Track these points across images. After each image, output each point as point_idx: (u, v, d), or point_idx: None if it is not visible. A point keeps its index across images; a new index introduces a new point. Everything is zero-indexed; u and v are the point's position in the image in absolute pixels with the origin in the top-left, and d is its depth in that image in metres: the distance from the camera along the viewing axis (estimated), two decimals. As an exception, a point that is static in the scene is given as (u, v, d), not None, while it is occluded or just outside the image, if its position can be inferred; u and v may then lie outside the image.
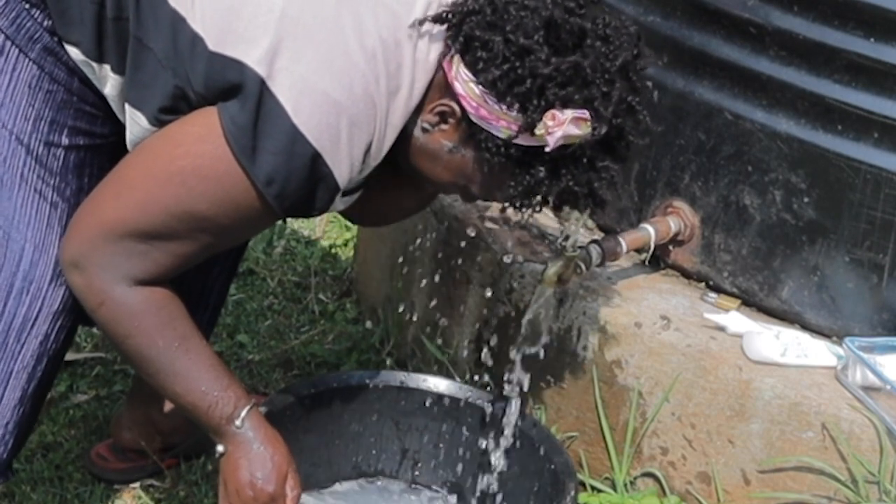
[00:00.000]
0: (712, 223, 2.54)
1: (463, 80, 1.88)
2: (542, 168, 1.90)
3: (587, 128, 1.85)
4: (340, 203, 1.99)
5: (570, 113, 1.83)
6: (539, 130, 1.85)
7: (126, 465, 2.59)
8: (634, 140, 1.94)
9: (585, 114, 1.84)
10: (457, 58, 1.89)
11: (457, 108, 1.90)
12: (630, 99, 1.89)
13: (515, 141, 1.88)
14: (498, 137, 1.89)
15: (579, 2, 1.87)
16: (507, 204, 1.98)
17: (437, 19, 1.90)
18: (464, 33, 1.87)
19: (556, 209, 1.99)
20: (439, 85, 1.92)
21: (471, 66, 1.87)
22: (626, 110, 1.90)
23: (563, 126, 1.83)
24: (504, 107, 1.86)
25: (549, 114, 1.84)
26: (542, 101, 1.84)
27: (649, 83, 1.97)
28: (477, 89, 1.87)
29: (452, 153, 1.94)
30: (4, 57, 1.95)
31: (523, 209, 1.98)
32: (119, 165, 1.94)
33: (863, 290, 2.41)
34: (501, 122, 1.87)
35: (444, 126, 1.93)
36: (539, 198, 1.94)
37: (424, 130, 1.94)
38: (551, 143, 1.85)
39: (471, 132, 1.91)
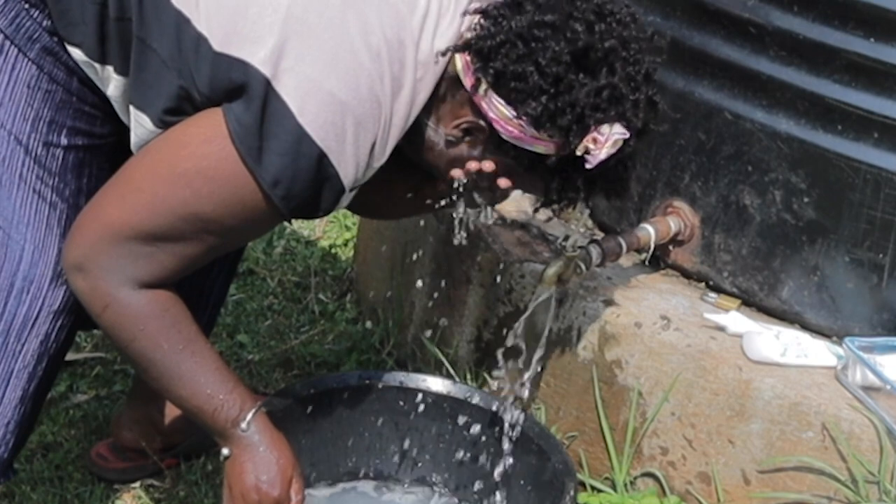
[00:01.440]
0: (712, 223, 2.54)
1: (495, 108, 1.90)
2: (578, 177, 1.94)
3: (623, 138, 1.89)
4: (346, 200, 2.00)
5: (611, 135, 1.87)
6: (580, 152, 1.88)
7: (126, 465, 2.59)
8: (656, 128, 1.99)
9: (626, 133, 1.88)
10: (484, 85, 1.90)
11: (485, 125, 1.93)
12: (653, 96, 1.94)
13: (551, 159, 1.92)
14: (534, 153, 1.91)
15: (596, 9, 1.89)
16: (539, 205, 2.03)
17: (459, 49, 1.91)
18: (494, 66, 1.88)
19: (585, 202, 2.04)
20: (461, 100, 1.93)
21: (505, 97, 1.89)
22: (650, 107, 1.94)
23: (605, 147, 1.87)
24: (544, 134, 1.89)
25: (589, 137, 1.87)
26: (581, 127, 1.87)
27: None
28: (510, 113, 1.89)
29: (476, 159, 1.96)
30: (3, 57, 1.95)
31: (559, 209, 2.03)
32: (123, 168, 1.94)
33: (863, 290, 2.41)
34: (539, 144, 1.90)
35: (469, 139, 1.95)
36: (577, 199, 1.98)
37: (449, 143, 1.96)
38: (594, 162, 1.89)
39: (501, 146, 1.94)
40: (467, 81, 1.91)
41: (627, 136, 1.89)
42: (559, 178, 1.95)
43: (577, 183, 1.95)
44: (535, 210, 2.08)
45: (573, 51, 1.86)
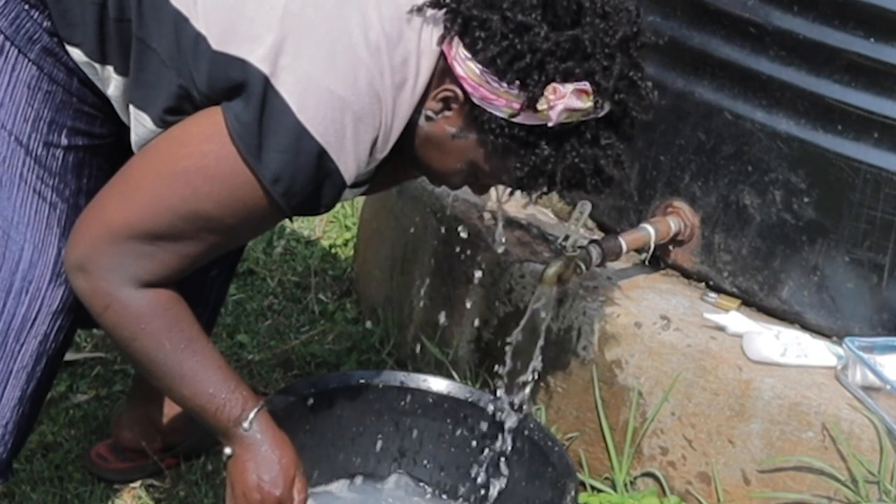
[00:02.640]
0: (712, 223, 2.54)
1: (462, 61, 1.87)
2: (546, 146, 1.88)
3: (589, 101, 1.84)
4: (349, 193, 1.99)
5: (570, 86, 1.83)
6: (541, 106, 1.84)
7: (126, 465, 2.59)
8: (639, 116, 1.93)
9: (587, 86, 1.83)
10: (456, 39, 1.88)
11: (459, 91, 1.90)
12: (631, 74, 1.88)
13: (517, 119, 1.87)
14: (500, 117, 1.88)
15: None
16: (515, 186, 1.98)
17: (435, 3, 1.89)
18: (461, 14, 1.87)
19: (565, 190, 1.97)
20: (441, 71, 1.92)
21: (470, 47, 1.86)
22: (629, 85, 1.89)
23: (564, 99, 1.82)
24: (504, 84, 1.85)
25: (549, 87, 1.83)
26: (542, 76, 1.83)
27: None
28: (476, 69, 1.86)
29: (456, 139, 1.94)
30: (3, 57, 1.95)
31: (531, 191, 1.97)
32: (124, 168, 1.94)
33: (863, 290, 2.41)
34: (502, 100, 1.86)
35: (447, 112, 1.93)
36: (546, 178, 1.93)
37: (428, 119, 1.94)
38: (553, 117, 1.84)
39: (473, 115, 1.90)
40: (436, 34, 1.89)
41: (589, 90, 1.83)
42: (527, 149, 1.90)
43: (545, 153, 1.89)
44: (510, 194, 2.05)
45: (542, 2, 1.83)
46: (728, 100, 2.48)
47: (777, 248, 2.47)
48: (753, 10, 2.42)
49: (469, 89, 1.88)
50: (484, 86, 1.86)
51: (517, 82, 1.84)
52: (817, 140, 2.39)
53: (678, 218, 2.55)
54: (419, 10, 1.89)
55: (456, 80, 1.89)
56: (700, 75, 2.51)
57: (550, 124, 1.85)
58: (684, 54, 2.52)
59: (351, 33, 1.85)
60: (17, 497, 2.49)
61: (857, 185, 2.36)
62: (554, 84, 1.83)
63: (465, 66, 1.87)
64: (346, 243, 3.52)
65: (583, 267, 2.35)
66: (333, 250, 3.50)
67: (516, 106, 1.86)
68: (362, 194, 2.21)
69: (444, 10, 1.89)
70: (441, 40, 1.90)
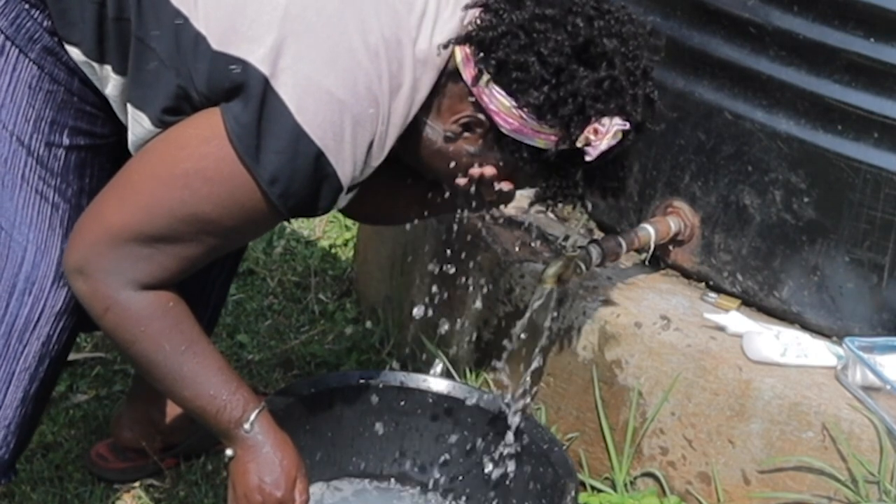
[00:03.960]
0: (712, 223, 2.54)
1: (496, 99, 1.90)
2: (577, 171, 1.94)
3: (621, 132, 1.90)
4: (343, 200, 2.00)
5: (611, 126, 1.88)
6: (580, 143, 1.89)
7: (126, 465, 2.59)
8: (653, 128, 1.99)
9: (626, 125, 1.89)
10: (486, 77, 1.90)
11: (485, 119, 1.92)
12: (651, 94, 1.94)
13: (552, 150, 1.92)
14: (533, 147, 1.92)
15: (595, 4, 1.91)
16: (536, 202, 2.03)
17: (464, 40, 1.91)
18: (496, 57, 1.89)
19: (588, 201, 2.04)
20: (460, 94, 1.93)
21: (506, 87, 1.89)
22: (648, 105, 1.95)
23: (605, 138, 1.88)
24: (546, 126, 1.89)
25: (590, 128, 1.88)
26: (582, 117, 1.88)
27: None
28: (510, 104, 1.89)
29: (474, 157, 1.96)
30: (4, 57, 1.95)
31: (553, 206, 2.04)
32: (122, 170, 1.94)
33: (863, 290, 2.41)
34: (540, 136, 1.90)
35: (467, 134, 1.95)
36: (574, 197, 1.99)
37: (448, 139, 1.96)
38: (594, 154, 1.89)
39: (500, 142, 1.94)
40: (468, 73, 1.92)
41: (627, 127, 1.89)
42: (557, 174, 1.96)
43: (575, 178, 1.95)
44: (531, 205, 2.07)
45: (574, 44, 1.87)
46: (728, 100, 2.48)
47: (777, 248, 2.47)
48: (753, 10, 2.42)
49: (500, 122, 1.91)
50: (519, 121, 1.90)
51: (559, 123, 1.88)
52: (817, 140, 2.39)
53: (678, 218, 2.55)
54: (444, 46, 1.91)
55: (481, 107, 1.91)
56: (700, 75, 2.51)
57: (588, 159, 1.90)
58: (684, 54, 2.52)
59: (351, 37, 1.85)
60: (17, 497, 2.49)
61: (857, 185, 2.36)
62: (595, 125, 1.88)
63: (500, 103, 1.90)
64: (346, 243, 3.52)
65: (583, 267, 2.35)
66: (333, 250, 3.50)
67: (553, 141, 1.90)
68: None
69: (469, 45, 1.91)
70: (447, 60, 1.92)
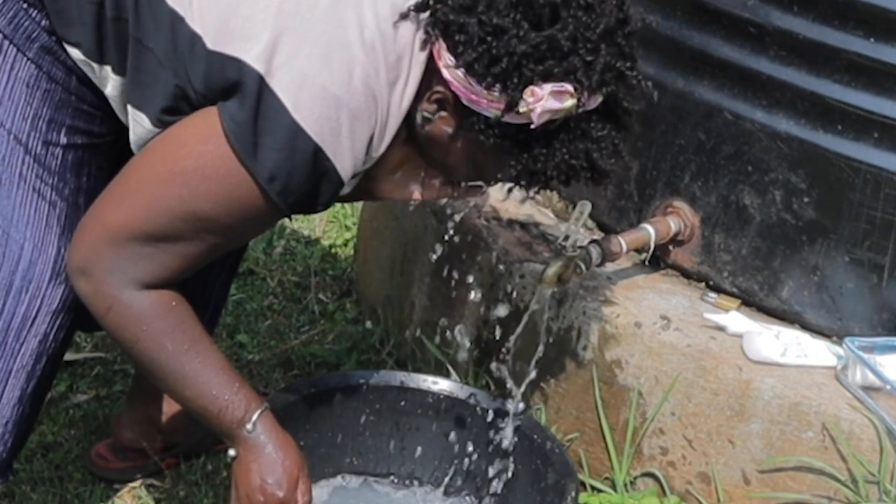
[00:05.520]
0: (712, 223, 2.54)
1: (447, 66, 1.88)
2: (536, 144, 1.87)
3: (571, 99, 1.83)
4: (349, 186, 1.99)
5: (548, 87, 1.81)
6: (522, 108, 1.83)
7: (126, 465, 2.59)
8: (631, 106, 1.91)
9: (565, 86, 1.82)
10: (440, 43, 1.88)
11: (448, 94, 1.90)
12: (618, 64, 1.86)
13: (504, 120, 1.86)
14: (489, 118, 1.87)
15: None
16: (512, 183, 1.97)
17: (420, 7, 1.89)
18: (440, 19, 1.86)
19: (562, 185, 1.96)
20: (432, 72, 1.92)
21: (451, 50, 1.86)
22: (616, 77, 1.86)
23: (542, 101, 1.81)
24: (486, 88, 1.85)
25: (528, 90, 1.82)
26: (520, 79, 1.82)
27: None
28: (460, 73, 1.86)
29: (454, 139, 1.94)
30: (2, 56, 1.95)
31: (528, 188, 1.96)
32: (123, 170, 1.94)
33: (863, 290, 2.41)
34: (486, 102, 1.86)
35: (442, 113, 1.93)
36: (540, 174, 1.92)
37: (426, 120, 1.94)
38: (535, 119, 1.83)
39: (465, 116, 1.90)
40: (420, 37, 1.89)
41: (568, 90, 1.82)
42: (519, 150, 1.89)
43: (534, 153, 1.89)
44: (509, 191, 2.04)
45: (518, 2, 1.82)
46: (728, 100, 2.48)
47: (777, 248, 2.47)
48: (753, 10, 2.42)
49: (457, 92, 1.88)
50: (468, 88, 1.86)
51: (497, 86, 1.84)
52: (817, 140, 2.39)
53: (678, 218, 2.55)
54: (404, 15, 1.89)
55: (444, 82, 1.89)
56: (700, 75, 2.51)
57: (533, 126, 1.84)
58: (684, 54, 2.52)
59: (346, 31, 1.85)
60: (17, 497, 2.49)
61: (857, 185, 2.35)
62: (532, 87, 1.82)
63: (450, 69, 1.87)
64: (346, 243, 3.52)
65: (583, 267, 2.35)
66: (333, 250, 3.50)
67: (500, 108, 1.85)
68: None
69: (428, 13, 1.89)
70: (423, 44, 1.90)
